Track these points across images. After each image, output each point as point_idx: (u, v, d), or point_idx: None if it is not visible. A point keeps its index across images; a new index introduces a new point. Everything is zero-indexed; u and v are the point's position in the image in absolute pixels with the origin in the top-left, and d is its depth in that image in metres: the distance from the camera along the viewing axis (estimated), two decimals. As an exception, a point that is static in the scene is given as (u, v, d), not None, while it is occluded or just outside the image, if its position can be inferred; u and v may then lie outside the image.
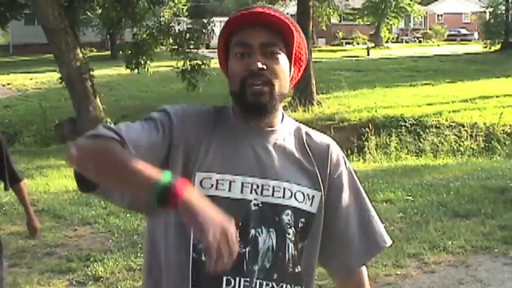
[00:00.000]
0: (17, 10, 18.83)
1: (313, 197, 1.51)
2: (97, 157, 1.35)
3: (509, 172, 8.04)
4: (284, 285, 1.47)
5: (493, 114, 15.35)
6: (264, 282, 1.44)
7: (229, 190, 1.45)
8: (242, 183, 1.46)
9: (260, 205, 1.46)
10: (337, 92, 21.33)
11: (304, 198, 1.49)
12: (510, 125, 14.47)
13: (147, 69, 16.01)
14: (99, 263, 4.95)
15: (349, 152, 12.36)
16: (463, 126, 14.45)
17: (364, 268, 1.61)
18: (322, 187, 1.53)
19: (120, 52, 17.80)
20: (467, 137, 13.57)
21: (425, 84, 23.44)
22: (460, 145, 13.25)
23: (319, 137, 1.60)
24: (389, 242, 1.60)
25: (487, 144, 13.28)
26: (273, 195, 1.47)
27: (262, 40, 1.45)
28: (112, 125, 1.44)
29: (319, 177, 1.53)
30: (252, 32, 1.46)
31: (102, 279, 4.67)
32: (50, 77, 24.93)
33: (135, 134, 1.40)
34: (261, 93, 1.45)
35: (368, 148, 13.12)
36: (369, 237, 1.58)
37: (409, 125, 15.12)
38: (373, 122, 15.09)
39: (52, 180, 8.97)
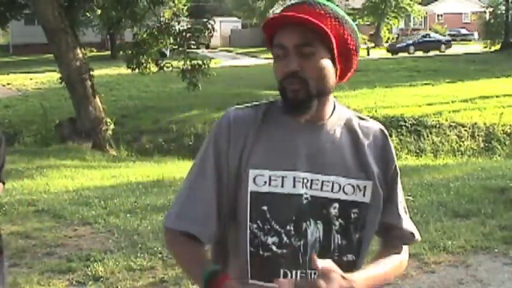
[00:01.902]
0: (17, 10, 18.78)
1: (364, 187, 1.55)
2: (177, 261, 1.71)
3: (509, 172, 8.04)
4: None
5: (493, 114, 15.36)
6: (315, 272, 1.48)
7: (282, 186, 1.49)
8: (294, 178, 1.50)
9: (310, 199, 1.50)
10: (337, 92, 21.33)
11: (354, 190, 1.53)
12: (510, 125, 14.48)
13: (149, 68, 16.00)
14: (99, 263, 4.95)
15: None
16: (463, 126, 14.47)
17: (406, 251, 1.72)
18: (375, 176, 1.57)
19: (121, 52, 17.78)
20: (467, 137, 13.59)
21: (425, 84, 23.46)
22: (460, 145, 13.26)
23: (371, 125, 1.64)
24: (418, 237, 1.70)
25: (487, 144, 13.30)
26: (321, 189, 1.51)
27: (295, 42, 1.48)
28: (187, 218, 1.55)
29: (372, 165, 1.57)
30: (285, 33, 1.49)
31: (102, 279, 4.67)
32: (50, 77, 24.95)
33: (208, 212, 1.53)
34: (297, 91, 1.49)
35: (368, 148, 13.12)
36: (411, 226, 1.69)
37: (409, 125, 15.14)
38: (373, 122, 15.10)
39: (52, 180, 8.97)
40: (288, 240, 1.49)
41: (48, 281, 4.67)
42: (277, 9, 42.99)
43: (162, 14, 17.07)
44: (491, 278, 4.46)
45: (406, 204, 1.72)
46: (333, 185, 1.52)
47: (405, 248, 1.71)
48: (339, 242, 1.53)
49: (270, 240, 1.49)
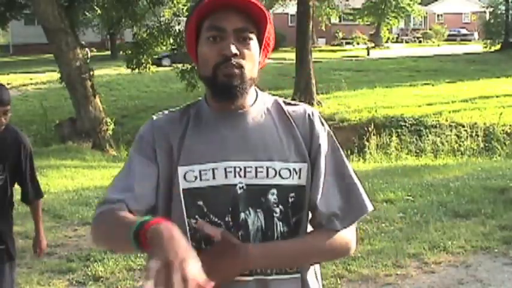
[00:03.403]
0: (17, 10, 18.78)
1: (300, 169, 1.50)
2: (98, 235, 1.51)
3: (509, 172, 8.04)
4: None
5: (493, 114, 15.35)
6: None
7: (214, 178, 1.46)
8: (225, 169, 1.46)
9: (245, 188, 1.46)
10: (337, 92, 21.34)
11: (290, 173, 1.48)
12: (510, 125, 14.47)
13: (149, 68, 16.01)
14: (99, 263, 4.95)
15: (349, 152, 12.37)
16: (463, 126, 14.45)
17: (345, 232, 1.52)
18: (308, 156, 1.52)
19: (121, 52, 17.80)
20: (467, 137, 13.57)
21: (425, 84, 23.46)
22: (460, 145, 13.25)
23: (297, 106, 1.60)
24: (370, 207, 1.55)
25: (487, 144, 13.29)
26: (256, 176, 1.47)
27: (237, 25, 1.45)
28: (114, 188, 1.50)
29: (304, 146, 1.52)
30: (226, 16, 1.45)
31: (102, 279, 4.67)
32: (50, 77, 24.94)
33: (139, 190, 1.46)
34: (232, 75, 1.45)
35: (368, 148, 13.13)
36: (349, 203, 1.53)
37: (409, 125, 15.13)
38: (373, 122, 15.10)
39: (52, 180, 8.97)
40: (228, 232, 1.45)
41: (48, 281, 4.67)
42: (277, 9, 42.97)
43: (162, 14, 17.08)
44: (491, 278, 4.46)
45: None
46: (267, 171, 1.47)
47: (346, 230, 1.52)
48: (281, 229, 1.48)
49: None
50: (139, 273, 4.77)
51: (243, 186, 1.46)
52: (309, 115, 1.56)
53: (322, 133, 1.56)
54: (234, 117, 1.52)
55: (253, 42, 1.48)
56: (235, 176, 1.46)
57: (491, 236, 5.31)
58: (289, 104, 1.60)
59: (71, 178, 9.33)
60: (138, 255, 5.10)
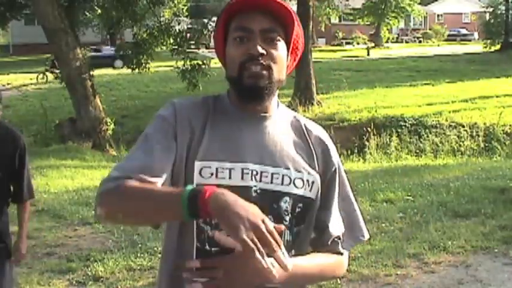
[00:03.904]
0: (17, 10, 18.77)
1: (312, 182, 1.50)
2: (122, 208, 1.37)
3: (509, 172, 8.04)
4: None
5: (493, 114, 15.35)
6: None
7: (230, 178, 1.43)
8: (242, 170, 1.44)
9: (259, 192, 1.44)
10: (337, 92, 21.34)
11: (303, 184, 1.48)
12: (510, 125, 14.47)
13: (148, 69, 16.01)
14: (99, 263, 4.95)
15: (349, 152, 12.37)
16: (463, 126, 14.46)
17: (345, 255, 1.59)
18: (321, 172, 1.53)
19: (121, 52, 17.80)
20: (467, 137, 13.58)
21: (425, 84, 23.45)
22: (460, 145, 13.25)
23: (316, 126, 1.61)
24: (367, 236, 1.61)
25: (487, 144, 13.29)
26: (271, 182, 1.45)
27: (263, 26, 1.44)
28: (126, 162, 1.44)
29: (317, 162, 1.53)
30: (253, 17, 1.44)
31: (102, 279, 4.67)
32: (50, 77, 24.94)
33: (152, 162, 1.41)
34: (260, 76, 1.43)
35: (368, 148, 13.13)
36: (352, 229, 1.58)
37: (409, 125, 15.13)
38: (374, 122, 15.10)
39: (52, 180, 8.97)
40: None
41: (48, 281, 4.67)
42: (277, 9, 42.92)
43: (162, 14, 17.09)
44: (491, 278, 4.46)
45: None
46: (283, 178, 1.46)
47: (344, 254, 1.58)
48: (287, 238, 1.47)
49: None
50: (139, 273, 4.77)
51: (257, 190, 1.44)
52: (326, 137, 1.59)
53: (336, 158, 1.58)
54: (257, 119, 1.50)
55: (281, 44, 1.47)
56: (251, 179, 1.44)
57: (491, 236, 5.31)
58: (308, 121, 1.61)
59: (71, 178, 9.33)
60: (138, 255, 5.11)
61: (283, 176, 1.46)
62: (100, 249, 5.37)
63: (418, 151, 13.13)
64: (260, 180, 1.45)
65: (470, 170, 8.69)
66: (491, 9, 41.40)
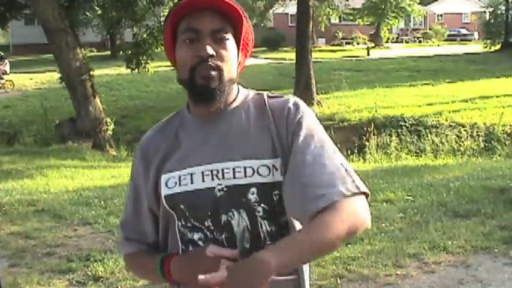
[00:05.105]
0: (17, 10, 18.76)
1: (280, 164, 1.44)
2: (137, 275, 1.90)
3: (509, 172, 8.03)
4: None
5: (493, 114, 15.36)
6: None
7: (192, 182, 1.46)
8: (202, 172, 1.46)
9: (225, 189, 1.45)
10: (337, 92, 21.34)
11: (270, 170, 1.44)
12: (510, 125, 14.48)
13: (148, 69, 16.01)
14: (99, 263, 4.95)
15: (349, 152, 12.37)
16: (463, 126, 14.46)
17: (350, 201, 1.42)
18: (287, 148, 1.45)
19: (121, 52, 17.81)
20: (467, 137, 13.58)
21: (425, 84, 23.46)
22: (460, 145, 13.25)
23: (280, 97, 1.55)
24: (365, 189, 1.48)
25: (487, 144, 13.29)
26: (234, 176, 1.45)
27: (212, 26, 1.44)
28: (124, 231, 1.68)
29: (278, 140, 1.46)
30: (201, 18, 1.44)
31: (102, 279, 4.67)
32: (50, 77, 24.94)
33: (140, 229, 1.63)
34: (210, 78, 1.43)
35: (368, 148, 13.13)
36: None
37: (409, 125, 15.14)
38: (373, 122, 15.10)
39: (52, 180, 8.97)
40: (211, 235, 1.45)
41: (48, 281, 4.67)
42: (277, 9, 42.97)
43: (162, 14, 17.07)
44: (491, 278, 4.46)
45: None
46: (245, 170, 1.44)
47: (344, 201, 1.39)
48: (267, 228, 1.45)
49: (196, 236, 1.47)
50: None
51: (222, 188, 1.45)
52: (288, 106, 1.50)
53: (298, 118, 1.47)
54: (212, 120, 1.51)
55: (230, 42, 1.47)
56: (212, 179, 1.45)
57: (491, 236, 5.30)
58: (273, 97, 1.56)
59: (71, 178, 9.33)
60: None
61: (245, 168, 1.44)
62: (100, 249, 5.37)
63: (418, 151, 13.13)
64: (223, 178, 1.45)
65: (470, 170, 8.68)
66: (491, 9, 41.43)
